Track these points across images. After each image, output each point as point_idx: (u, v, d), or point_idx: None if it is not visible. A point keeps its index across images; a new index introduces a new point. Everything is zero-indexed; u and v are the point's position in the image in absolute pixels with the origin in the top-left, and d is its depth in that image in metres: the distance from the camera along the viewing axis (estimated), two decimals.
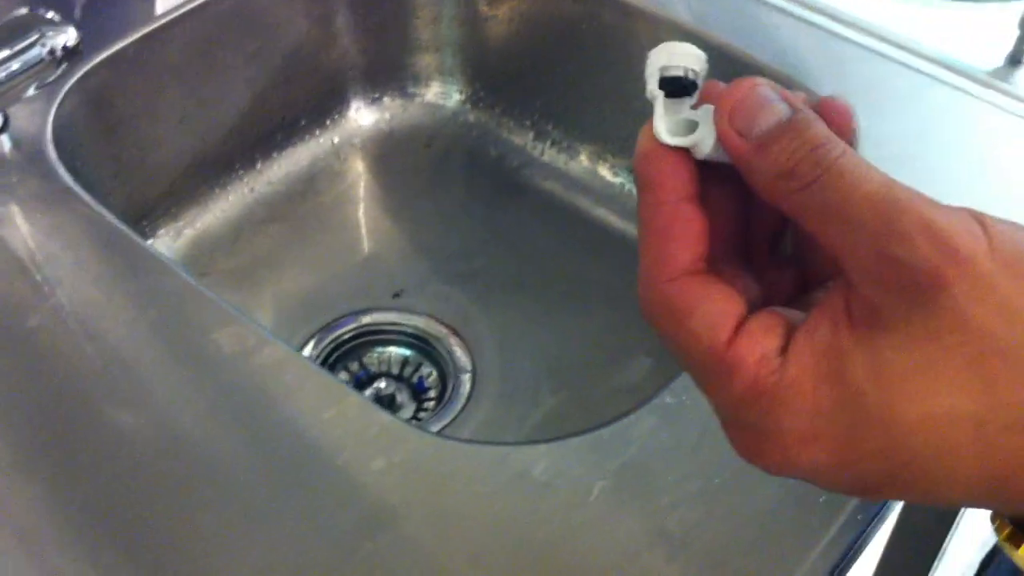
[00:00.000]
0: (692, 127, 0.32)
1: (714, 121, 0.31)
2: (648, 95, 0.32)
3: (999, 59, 0.76)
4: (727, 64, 0.76)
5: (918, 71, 0.76)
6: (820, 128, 0.30)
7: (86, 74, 0.71)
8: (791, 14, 0.80)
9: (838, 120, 0.31)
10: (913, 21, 0.79)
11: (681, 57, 0.32)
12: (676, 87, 0.32)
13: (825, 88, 0.74)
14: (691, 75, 0.32)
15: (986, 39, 0.78)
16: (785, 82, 0.74)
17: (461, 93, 0.95)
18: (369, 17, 0.90)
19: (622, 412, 0.55)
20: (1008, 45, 0.76)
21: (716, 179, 0.32)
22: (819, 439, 0.29)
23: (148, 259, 0.62)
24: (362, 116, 0.93)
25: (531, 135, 0.92)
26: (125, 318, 0.58)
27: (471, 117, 0.94)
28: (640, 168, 0.32)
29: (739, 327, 0.30)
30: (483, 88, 0.94)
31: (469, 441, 0.54)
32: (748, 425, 0.30)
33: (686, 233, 0.31)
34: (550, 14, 0.86)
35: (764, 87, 0.31)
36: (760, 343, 0.30)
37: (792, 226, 0.34)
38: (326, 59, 0.90)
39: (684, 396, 0.55)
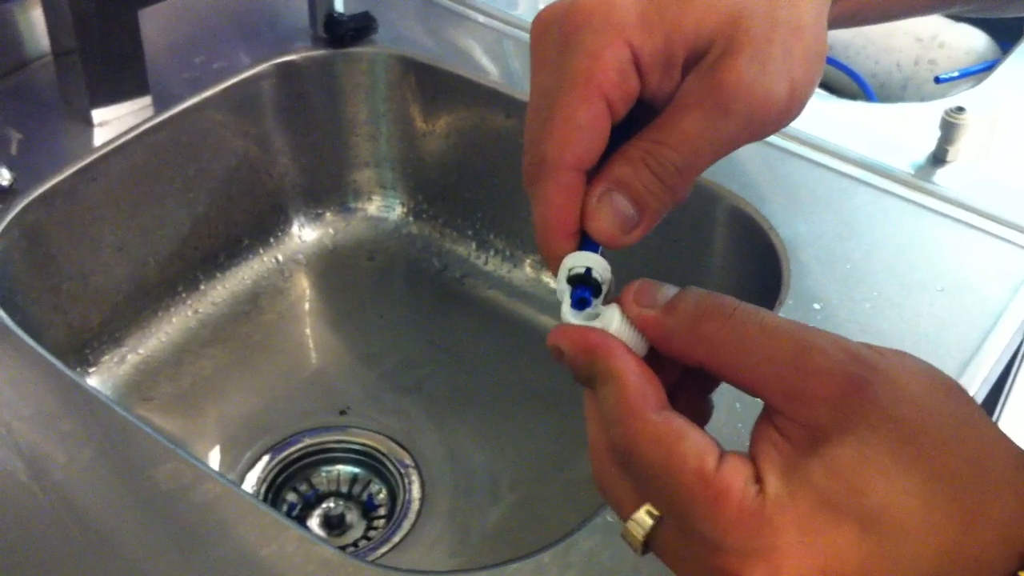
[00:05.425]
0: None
1: (620, 310, 0.35)
2: (557, 294, 0.36)
3: (921, 159, 0.78)
4: None
5: (842, 173, 0.78)
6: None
7: (21, 211, 0.71)
8: None
9: None
10: (836, 123, 0.82)
11: (587, 259, 0.36)
12: (581, 282, 0.35)
13: (752, 192, 0.75)
14: (596, 275, 0.35)
15: (908, 139, 0.80)
16: (713, 189, 0.75)
17: (403, 206, 0.96)
18: (307, 136, 0.91)
19: (565, 529, 0.55)
20: (930, 145, 0.78)
21: None
22: (809, 547, 0.30)
23: (84, 396, 0.62)
24: (305, 233, 0.94)
25: (473, 245, 0.93)
26: (63, 459, 0.58)
27: (413, 229, 0.95)
28: (579, 339, 0.35)
29: (720, 456, 0.32)
30: (424, 200, 0.95)
31: (410, 571, 0.54)
32: (733, 551, 0.31)
33: (653, 377, 0.34)
34: (485, 128, 0.88)
35: (648, 280, 0.36)
36: (742, 471, 0.31)
37: None
38: (266, 178, 0.91)
39: None
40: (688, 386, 0.36)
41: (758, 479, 0.31)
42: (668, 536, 0.33)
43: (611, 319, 0.34)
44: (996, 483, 0.31)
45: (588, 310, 0.35)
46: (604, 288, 0.36)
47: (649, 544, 0.33)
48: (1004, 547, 0.31)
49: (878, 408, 0.31)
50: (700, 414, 0.36)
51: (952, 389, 0.33)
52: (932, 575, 0.31)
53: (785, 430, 0.32)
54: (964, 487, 0.31)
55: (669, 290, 0.35)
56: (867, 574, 0.31)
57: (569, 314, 0.35)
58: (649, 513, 0.33)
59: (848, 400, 0.31)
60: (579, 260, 0.35)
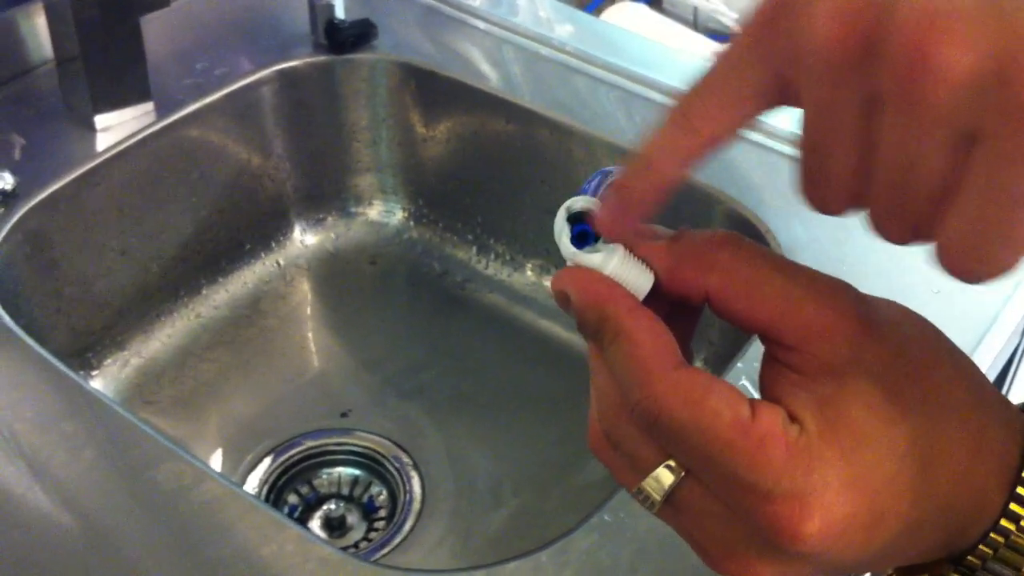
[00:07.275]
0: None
1: (623, 248, 0.33)
2: (555, 236, 0.34)
3: None
4: None
5: None
6: None
7: (24, 216, 0.72)
8: None
9: None
10: None
11: (586, 202, 0.34)
12: (581, 220, 0.34)
13: (749, 196, 0.76)
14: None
15: None
16: (710, 193, 0.76)
17: (404, 211, 0.96)
18: (308, 142, 0.92)
19: (563, 531, 0.56)
20: None
21: None
22: (856, 482, 0.30)
23: (86, 397, 0.62)
24: (306, 237, 0.95)
25: (474, 249, 0.94)
26: (63, 459, 0.58)
27: (414, 234, 0.96)
28: (586, 286, 0.33)
29: (751, 403, 0.31)
30: (425, 205, 0.96)
31: (408, 569, 0.54)
32: (786, 496, 0.30)
33: (666, 331, 0.32)
34: (485, 133, 0.89)
35: None
36: (777, 413, 0.30)
37: None
38: (268, 183, 0.91)
39: (622, 513, 0.56)
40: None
41: (793, 419, 0.31)
42: (692, 493, 0.32)
43: (614, 252, 0.33)
44: (991, 414, 0.32)
45: (588, 247, 0.34)
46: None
47: (668, 500, 0.32)
48: (1000, 476, 0.32)
49: (890, 346, 0.31)
50: None
51: (938, 331, 0.33)
52: (946, 504, 0.31)
53: (802, 368, 0.31)
54: (969, 419, 0.32)
55: (666, 231, 0.34)
56: (900, 508, 0.31)
57: (570, 248, 0.34)
58: (670, 468, 0.31)
59: (864, 338, 0.31)
60: (580, 202, 0.34)
